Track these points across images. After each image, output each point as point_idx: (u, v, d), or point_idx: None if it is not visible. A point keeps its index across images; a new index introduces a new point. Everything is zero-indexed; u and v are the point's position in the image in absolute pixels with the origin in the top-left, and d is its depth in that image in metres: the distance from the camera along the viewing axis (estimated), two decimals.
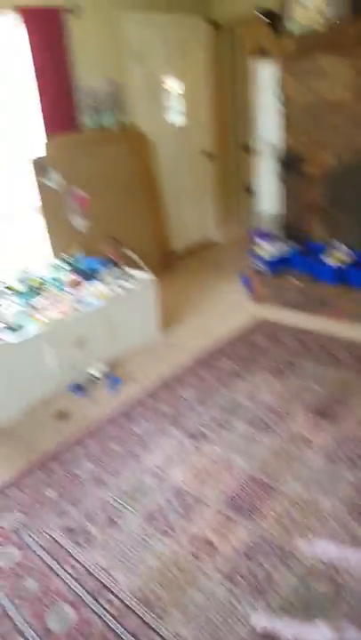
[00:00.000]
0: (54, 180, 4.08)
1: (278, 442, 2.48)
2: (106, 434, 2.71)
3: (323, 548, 1.89)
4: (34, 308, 3.17)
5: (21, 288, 3.40)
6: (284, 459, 2.37)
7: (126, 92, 4.68)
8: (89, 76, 4.33)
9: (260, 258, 4.09)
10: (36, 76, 3.96)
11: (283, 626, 1.63)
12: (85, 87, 4.32)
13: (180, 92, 5.27)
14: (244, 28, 5.46)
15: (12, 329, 2.98)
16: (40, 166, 4.11)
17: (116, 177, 4.40)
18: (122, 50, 4.60)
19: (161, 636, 1.64)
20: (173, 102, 5.23)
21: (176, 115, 5.33)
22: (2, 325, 3.01)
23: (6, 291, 3.46)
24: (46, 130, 4.14)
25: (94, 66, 4.38)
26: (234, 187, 6.24)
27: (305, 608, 1.68)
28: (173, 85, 5.19)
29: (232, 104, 5.88)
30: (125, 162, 4.43)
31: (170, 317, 4.01)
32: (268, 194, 4.46)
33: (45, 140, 4.15)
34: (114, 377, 3.23)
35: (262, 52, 4.56)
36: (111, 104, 4.55)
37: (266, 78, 4.41)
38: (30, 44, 3.88)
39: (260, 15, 4.02)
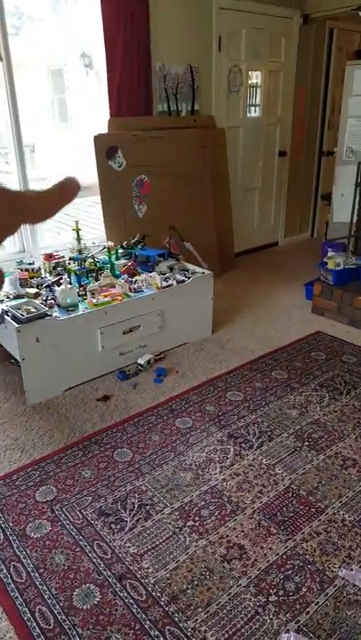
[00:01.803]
0: (117, 161, 3.98)
1: (324, 460, 2.40)
2: (147, 424, 2.69)
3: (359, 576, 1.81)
4: (87, 289, 3.17)
5: (76, 268, 3.40)
6: (328, 477, 2.29)
7: (204, 80, 4.51)
8: (167, 58, 4.17)
9: (327, 268, 3.98)
10: (107, 51, 3.80)
11: None
12: (162, 70, 4.18)
13: (262, 86, 5.07)
14: (342, 26, 5.21)
15: (63, 308, 3.01)
16: (103, 145, 3.96)
17: (183, 166, 4.23)
18: (205, 35, 4.41)
19: (184, 634, 1.61)
20: (253, 95, 5.03)
21: (255, 109, 5.14)
22: (54, 303, 3.05)
23: (61, 270, 3.49)
24: (113, 110, 3.99)
25: (173, 49, 4.21)
26: (307, 191, 6.08)
27: (332, 631, 1.61)
28: (255, 78, 5.01)
29: (316, 105, 5.69)
30: (195, 151, 4.25)
31: (224, 317, 3.97)
32: (345, 203, 4.31)
33: (111, 120, 4.01)
34: (160, 368, 3.22)
35: (359, 54, 4.37)
36: (187, 91, 4.40)
37: (359, 82, 4.22)
38: (104, 16, 3.70)
39: None
